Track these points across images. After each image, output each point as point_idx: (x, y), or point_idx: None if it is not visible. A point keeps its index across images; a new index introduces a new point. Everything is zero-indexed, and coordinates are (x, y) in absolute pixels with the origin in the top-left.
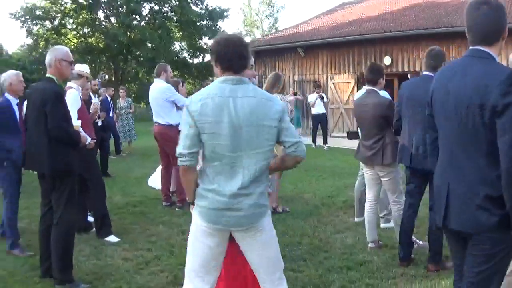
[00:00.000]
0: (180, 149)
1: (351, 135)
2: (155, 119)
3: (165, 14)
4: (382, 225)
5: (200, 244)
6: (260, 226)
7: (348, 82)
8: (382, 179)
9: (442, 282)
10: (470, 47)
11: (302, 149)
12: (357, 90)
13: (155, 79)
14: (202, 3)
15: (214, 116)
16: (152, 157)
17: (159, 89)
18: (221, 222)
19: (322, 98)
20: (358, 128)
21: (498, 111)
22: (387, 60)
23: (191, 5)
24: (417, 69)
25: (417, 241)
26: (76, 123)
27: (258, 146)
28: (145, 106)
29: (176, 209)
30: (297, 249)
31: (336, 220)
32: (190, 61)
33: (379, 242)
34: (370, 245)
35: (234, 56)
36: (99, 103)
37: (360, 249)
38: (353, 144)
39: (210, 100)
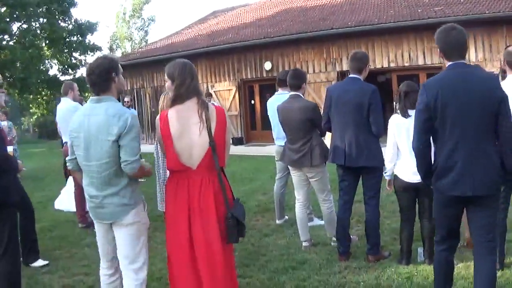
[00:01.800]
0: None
1: (237, 141)
2: (64, 139)
3: (34, 32)
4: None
5: (98, 235)
6: (123, 222)
7: (229, 89)
8: (311, 180)
9: (387, 270)
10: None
11: (130, 167)
12: (239, 97)
13: (62, 98)
14: (70, 19)
15: (76, 131)
16: (45, 179)
17: (67, 108)
18: (97, 217)
19: None
20: (274, 132)
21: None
22: (267, 66)
23: (59, 21)
24: None
25: (351, 236)
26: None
27: (101, 157)
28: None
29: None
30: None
31: (258, 225)
32: (62, 78)
33: (311, 240)
34: (304, 244)
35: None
36: None
37: (296, 249)
38: (241, 150)
39: (77, 117)
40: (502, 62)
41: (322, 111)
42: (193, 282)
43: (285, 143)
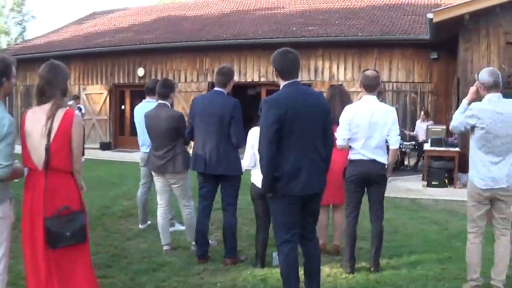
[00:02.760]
0: None
1: (104, 146)
2: None
3: None
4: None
5: None
6: None
7: (100, 93)
8: (173, 186)
9: (243, 273)
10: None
11: (2, 171)
12: (109, 101)
13: None
14: None
15: None
16: None
17: None
18: None
19: (80, 109)
20: (140, 139)
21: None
22: (140, 72)
23: None
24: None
25: (210, 241)
26: None
27: None
28: None
29: None
30: (96, 257)
31: (122, 229)
32: None
33: (172, 244)
34: (165, 247)
35: None
36: None
37: (157, 252)
38: (108, 155)
39: None
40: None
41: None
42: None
43: (150, 149)
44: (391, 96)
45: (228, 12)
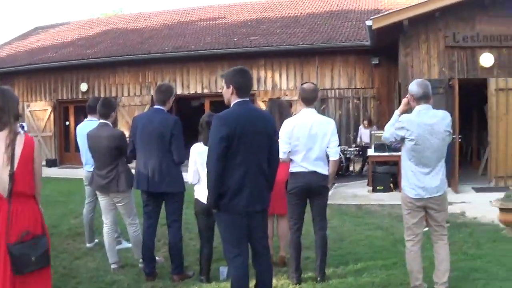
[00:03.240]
0: None
1: (50, 163)
2: None
3: None
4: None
5: None
6: None
7: (44, 110)
8: (117, 204)
9: (191, 287)
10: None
11: None
12: (53, 117)
13: None
14: None
15: None
16: None
17: None
18: None
19: (22, 127)
20: (83, 158)
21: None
22: (83, 87)
23: None
24: (114, 94)
25: (157, 258)
26: None
27: None
28: None
29: None
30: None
31: (69, 248)
32: None
33: (120, 262)
34: (112, 266)
35: None
36: None
37: (105, 271)
38: (54, 172)
39: None
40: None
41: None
42: None
43: (93, 168)
44: (334, 103)
45: (170, 24)
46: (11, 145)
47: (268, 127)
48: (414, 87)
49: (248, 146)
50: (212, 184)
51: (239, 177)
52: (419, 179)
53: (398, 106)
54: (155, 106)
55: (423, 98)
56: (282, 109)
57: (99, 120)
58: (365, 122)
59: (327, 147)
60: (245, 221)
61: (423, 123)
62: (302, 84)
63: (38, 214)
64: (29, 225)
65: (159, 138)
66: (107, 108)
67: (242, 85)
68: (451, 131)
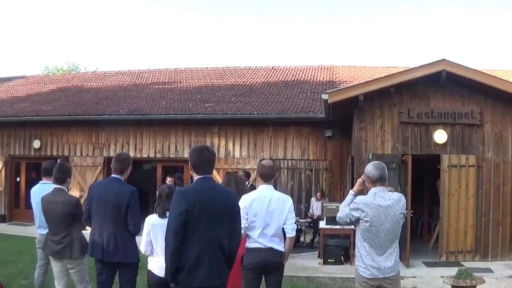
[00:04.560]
0: None
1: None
2: None
3: None
4: None
5: None
6: None
7: None
8: (70, 270)
9: None
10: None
11: None
12: (5, 172)
13: None
14: None
15: None
16: None
17: None
18: None
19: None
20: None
21: None
22: (36, 144)
23: None
24: (66, 154)
25: None
26: None
27: None
28: None
29: None
30: None
31: None
32: None
33: None
34: None
35: None
36: None
37: None
38: (3, 228)
39: None
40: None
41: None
42: None
43: (47, 232)
44: (286, 173)
45: (126, 85)
46: None
47: (229, 204)
48: (370, 169)
49: (208, 221)
50: (169, 258)
51: (197, 252)
52: (374, 260)
53: (351, 179)
54: (112, 175)
55: (379, 180)
56: (238, 183)
57: (54, 183)
58: (318, 194)
59: (284, 223)
60: None
61: (378, 206)
62: (260, 161)
63: None
64: None
65: (115, 208)
66: (64, 173)
67: (198, 163)
68: (405, 213)
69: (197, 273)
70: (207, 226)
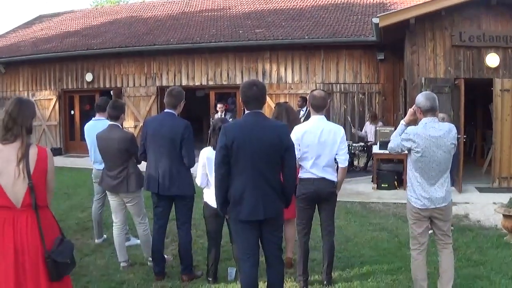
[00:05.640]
0: None
1: (55, 152)
2: None
3: None
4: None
5: None
6: None
7: (50, 99)
8: (127, 204)
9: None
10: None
11: None
12: (59, 106)
13: None
14: None
15: None
16: None
17: None
18: None
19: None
20: (91, 156)
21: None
22: (88, 77)
23: None
24: (119, 85)
25: (165, 256)
26: None
27: None
28: None
29: None
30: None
31: (78, 244)
32: None
33: (129, 260)
34: (122, 264)
35: None
36: None
37: (115, 269)
38: (59, 161)
39: None
40: (317, 86)
41: (138, 141)
42: None
43: (103, 168)
44: (339, 97)
45: (175, 14)
46: (25, 158)
47: (273, 140)
48: (421, 99)
49: (248, 156)
50: (216, 190)
51: (240, 186)
52: (425, 190)
53: (404, 103)
54: (166, 110)
55: (430, 110)
56: (289, 113)
57: (107, 119)
58: (370, 116)
59: (336, 154)
60: (253, 228)
61: (429, 136)
62: (312, 91)
63: (54, 220)
64: (54, 232)
65: (169, 142)
66: (118, 110)
67: (247, 98)
68: (456, 143)
69: (241, 207)
70: (248, 161)
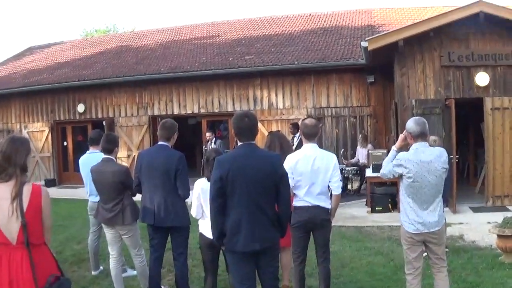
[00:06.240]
0: None
1: (49, 183)
2: None
3: None
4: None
5: None
6: None
7: (42, 131)
8: (123, 236)
9: None
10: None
11: None
12: (51, 138)
13: None
14: None
15: None
16: None
17: None
18: None
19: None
20: (87, 188)
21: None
22: (80, 108)
23: None
24: (111, 115)
25: (162, 286)
26: None
27: None
28: None
29: None
30: None
31: (75, 276)
32: None
33: None
34: None
35: None
36: None
37: None
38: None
39: None
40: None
41: (133, 174)
42: None
43: (98, 201)
44: (330, 121)
45: (165, 43)
46: (18, 196)
47: (267, 169)
48: (411, 125)
49: (244, 187)
50: (212, 222)
51: (236, 217)
52: (418, 215)
53: (396, 125)
54: (159, 142)
55: (420, 136)
56: (282, 142)
57: (101, 152)
58: (361, 139)
59: (329, 181)
60: (250, 259)
61: (420, 161)
62: (303, 120)
63: (53, 257)
64: (52, 268)
65: (164, 174)
66: (111, 144)
67: (239, 130)
68: (448, 167)
69: (238, 238)
70: (244, 192)
